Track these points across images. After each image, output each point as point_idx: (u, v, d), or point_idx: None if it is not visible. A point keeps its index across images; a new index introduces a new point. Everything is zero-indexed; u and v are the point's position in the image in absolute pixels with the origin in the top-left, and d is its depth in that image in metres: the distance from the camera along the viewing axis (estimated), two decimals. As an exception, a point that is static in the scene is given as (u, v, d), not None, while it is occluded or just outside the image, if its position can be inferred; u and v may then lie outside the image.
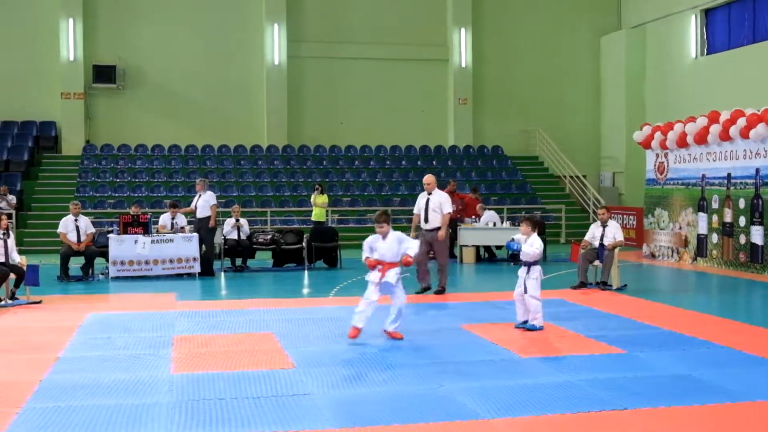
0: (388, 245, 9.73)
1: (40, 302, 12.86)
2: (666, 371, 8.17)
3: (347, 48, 29.56)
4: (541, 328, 10.11)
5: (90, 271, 16.37)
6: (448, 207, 13.65)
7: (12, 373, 8.12)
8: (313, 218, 21.55)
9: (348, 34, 29.64)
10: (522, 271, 10.31)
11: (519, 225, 19.52)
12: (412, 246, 9.81)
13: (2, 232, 12.96)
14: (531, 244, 10.28)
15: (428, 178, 13.80)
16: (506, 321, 10.87)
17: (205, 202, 17.27)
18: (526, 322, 10.25)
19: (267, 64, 28.91)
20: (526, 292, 10.23)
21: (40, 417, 6.60)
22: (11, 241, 13.11)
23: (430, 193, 13.67)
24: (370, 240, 9.81)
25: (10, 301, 12.76)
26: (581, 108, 31.44)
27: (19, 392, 7.33)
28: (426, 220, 13.60)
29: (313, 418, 6.59)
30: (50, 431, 6.26)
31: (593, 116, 31.52)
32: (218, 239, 19.00)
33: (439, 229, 13.46)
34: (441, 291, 13.67)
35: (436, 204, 13.53)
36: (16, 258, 13.07)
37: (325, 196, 21.87)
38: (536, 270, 10.29)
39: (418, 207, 13.79)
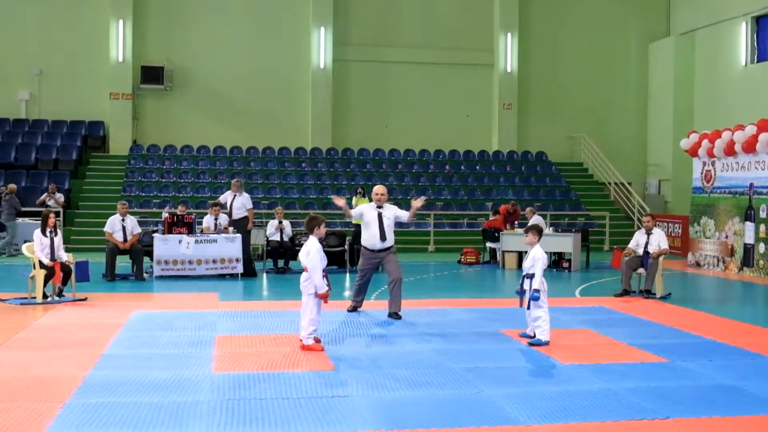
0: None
1: (85, 299, 13.02)
2: (710, 381, 8.06)
3: (392, 52, 29.61)
4: (546, 343, 9.61)
5: (141, 271, 16.45)
6: (406, 214, 11.84)
7: (57, 369, 8.24)
8: (354, 221, 21.56)
9: (393, 38, 29.69)
10: (527, 283, 9.79)
11: (560, 231, 19.76)
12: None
13: (50, 230, 13.16)
14: (533, 258, 9.76)
15: (381, 189, 11.77)
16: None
17: (241, 205, 17.36)
18: (534, 336, 9.79)
19: (313, 67, 29.04)
20: (529, 307, 9.78)
21: (83, 412, 6.69)
22: (58, 239, 13.30)
23: (380, 207, 11.70)
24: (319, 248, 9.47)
25: (56, 298, 12.96)
26: (628, 115, 31.17)
27: (63, 388, 7.43)
28: (383, 238, 11.57)
29: (352, 419, 6.60)
30: (94, 426, 6.35)
31: (640, 123, 31.22)
32: (261, 240, 19.13)
33: (390, 248, 11.66)
34: (397, 317, 11.55)
35: (390, 220, 11.62)
36: (63, 256, 13.24)
37: (367, 199, 21.86)
38: (543, 283, 9.74)
39: (364, 219, 11.74)
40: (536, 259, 9.79)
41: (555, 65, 30.77)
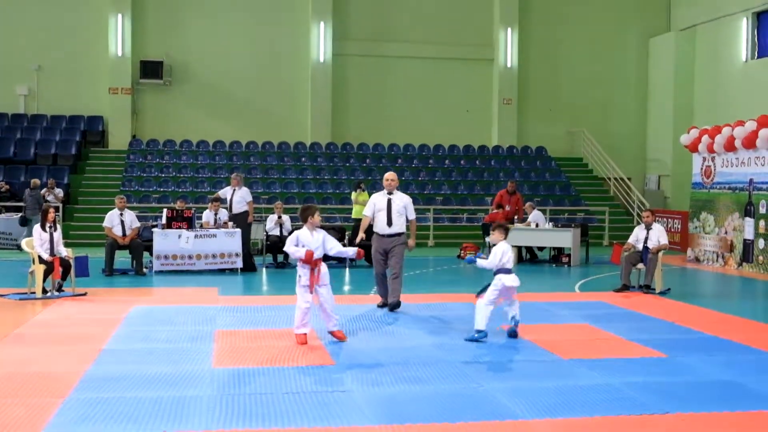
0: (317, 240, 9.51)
1: (85, 294, 13.02)
2: (708, 376, 8.08)
3: (392, 46, 29.58)
4: (483, 334, 9.60)
5: (141, 266, 16.45)
6: (413, 211, 12.17)
7: (57, 364, 8.25)
8: (354, 216, 21.58)
9: (393, 33, 29.65)
10: (496, 278, 9.78)
11: (560, 226, 19.75)
12: (334, 246, 9.66)
13: (49, 225, 13.16)
14: (494, 254, 9.79)
15: (391, 175, 12.14)
16: (546, 322, 10.82)
17: (241, 198, 17.40)
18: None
19: (312, 61, 29.02)
20: (479, 294, 9.82)
21: (83, 407, 6.70)
22: (57, 234, 13.30)
23: (390, 193, 12.01)
24: (301, 234, 9.46)
25: (56, 293, 12.96)
26: (628, 110, 31.15)
27: (63, 383, 7.44)
28: (390, 224, 11.86)
29: (352, 415, 6.61)
30: (93, 421, 6.36)
31: (640, 119, 31.20)
32: (260, 235, 19.13)
33: (400, 235, 11.88)
34: (397, 305, 11.84)
35: (399, 206, 11.91)
36: (63, 251, 13.25)
37: (367, 194, 21.84)
38: (498, 279, 9.75)
39: (376, 208, 11.98)
40: (495, 253, 9.81)
41: (555, 60, 30.74)
